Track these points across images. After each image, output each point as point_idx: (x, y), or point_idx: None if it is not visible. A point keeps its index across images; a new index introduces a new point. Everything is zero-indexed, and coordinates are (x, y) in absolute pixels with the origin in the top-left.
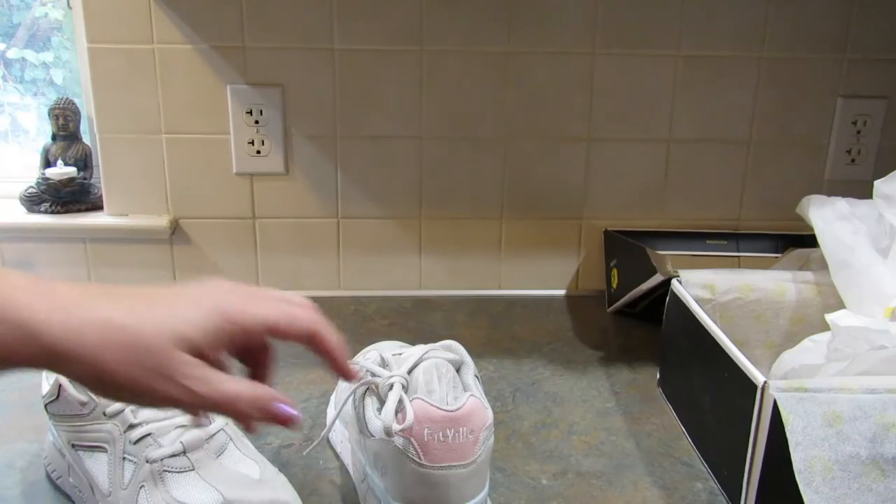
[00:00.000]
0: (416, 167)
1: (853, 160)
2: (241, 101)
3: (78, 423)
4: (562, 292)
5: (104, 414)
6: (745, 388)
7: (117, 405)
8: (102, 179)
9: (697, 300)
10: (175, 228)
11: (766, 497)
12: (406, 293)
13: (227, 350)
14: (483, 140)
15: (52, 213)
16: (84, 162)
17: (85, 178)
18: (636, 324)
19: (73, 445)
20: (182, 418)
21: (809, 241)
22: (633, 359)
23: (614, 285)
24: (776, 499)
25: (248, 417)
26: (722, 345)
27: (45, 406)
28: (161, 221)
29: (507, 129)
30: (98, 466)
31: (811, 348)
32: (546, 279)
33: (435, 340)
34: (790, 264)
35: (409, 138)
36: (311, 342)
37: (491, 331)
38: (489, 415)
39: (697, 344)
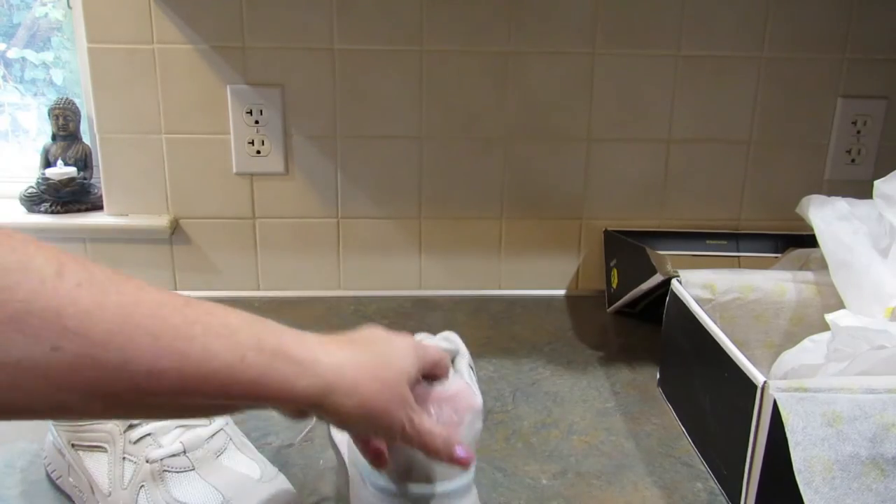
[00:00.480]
0: (416, 167)
1: (853, 160)
2: (241, 101)
3: (78, 423)
4: (562, 292)
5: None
6: (745, 388)
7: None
8: (102, 179)
9: (697, 300)
10: (175, 228)
11: (766, 497)
12: (406, 293)
13: None
14: (483, 140)
15: (52, 213)
16: (84, 162)
17: (85, 178)
18: (636, 324)
19: (73, 445)
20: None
21: (809, 241)
22: (633, 359)
23: (614, 285)
24: (776, 499)
25: (437, 453)
26: (722, 345)
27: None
28: (161, 221)
29: (507, 129)
30: (98, 466)
31: (811, 348)
32: (546, 279)
33: None
34: (790, 264)
35: (409, 138)
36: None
37: (491, 331)
38: (477, 400)
39: (697, 344)
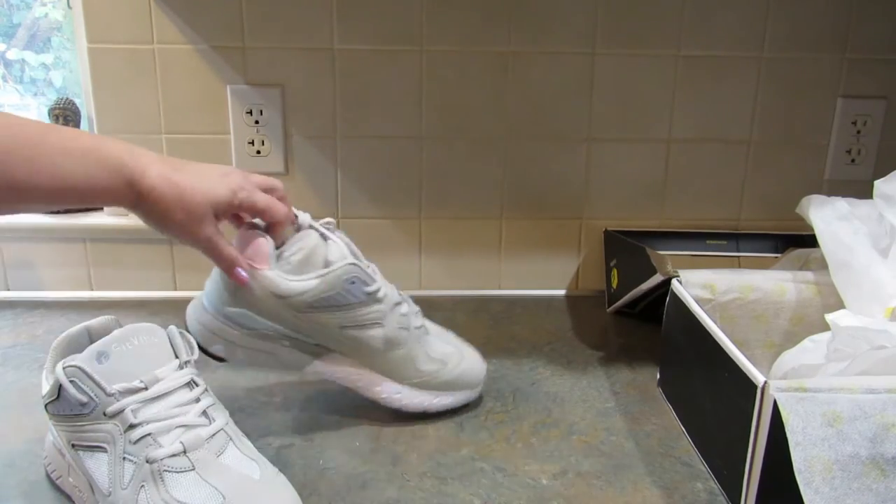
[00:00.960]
0: (416, 167)
1: (853, 160)
2: (241, 101)
3: (78, 423)
4: (562, 292)
5: (104, 414)
6: (745, 388)
7: (117, 406)
8: None
9: (697, 300)
10: None
11: (766, 497)
12: (406, 293)
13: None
14: (483, 140)
15: (52, 213)
16: None
17: None
18: (636, 324)
19: (73, 445)
20: (183, 418)
21: (809, 241)
22: (633, 359)
23: (614, 285)
24: (776, 499)
25: (221, 265)
26: (722, 345)
27: (45, 406)
28: None
29: (506, 129)
30: (98, 466)
31: (811, 348)
32: (546, 279)
33: None
34: (790, 264)
35: (409, 138)
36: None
37: (491, 331)
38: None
39: (697, 344)
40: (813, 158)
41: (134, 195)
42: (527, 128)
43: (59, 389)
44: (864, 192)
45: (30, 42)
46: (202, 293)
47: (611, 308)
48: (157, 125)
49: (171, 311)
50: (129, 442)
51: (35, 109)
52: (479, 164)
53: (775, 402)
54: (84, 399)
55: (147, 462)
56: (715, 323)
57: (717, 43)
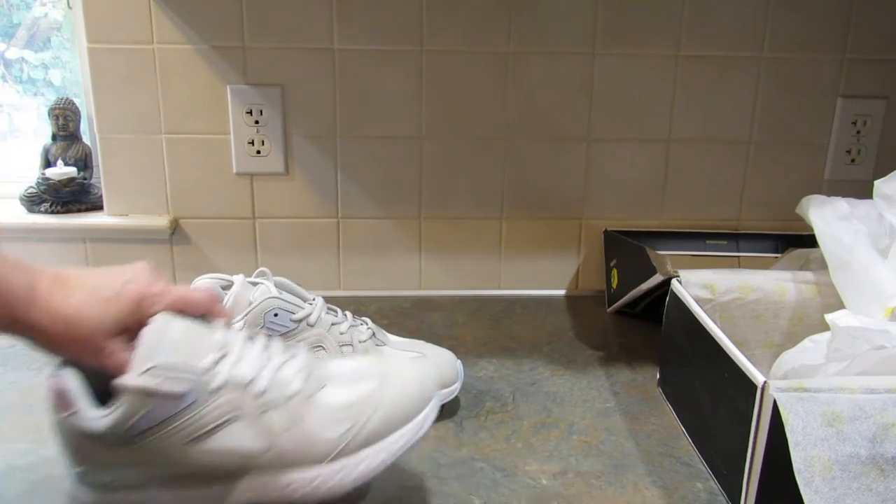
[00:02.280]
0: (416, 167)
1: (853, 160)
2: (241, 101)
3: (185, 418)
4: (562, 292)
5: (210, 392)
6: (745, 388)
7: (221, 377)
8: (102, 179)
9: (697, 300)
10: (175, 228)
11: (766, 497)
12: (406, 293)
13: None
14: (483, 140)
15: (52, 213)
16: (84, 162)
17: (85, 178)
18: (636, 324)
19: (193, 440)
20: (279, 357)
21: (809, 241)
22: (633, 359)
23: (614, 285)
24: (776, 499)
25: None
26: (722, 345)
27: (129, 434)
28: (161, 221)
29: (507, 129)
30: (239, 435)
31: (811, 348)
32: (546, 279)
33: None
34: (790, 264)
35: (409, 138)
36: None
37: (491, 331)
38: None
39: (697, 344)
40: (813, 158)
41: (21, 328)
42: (527, 128)
43: (145, 401)
44: (864, 192)
45: (29, 42)
46: None
47: (611, 308)
48: (157, 125)
49: None
50: (256, 397)
51: (34, 109)
52: (479, 164)
53: (775, 402)
54: (183, 389)
55: (290, 399)
56: (715, 323)
57: (717, 43)
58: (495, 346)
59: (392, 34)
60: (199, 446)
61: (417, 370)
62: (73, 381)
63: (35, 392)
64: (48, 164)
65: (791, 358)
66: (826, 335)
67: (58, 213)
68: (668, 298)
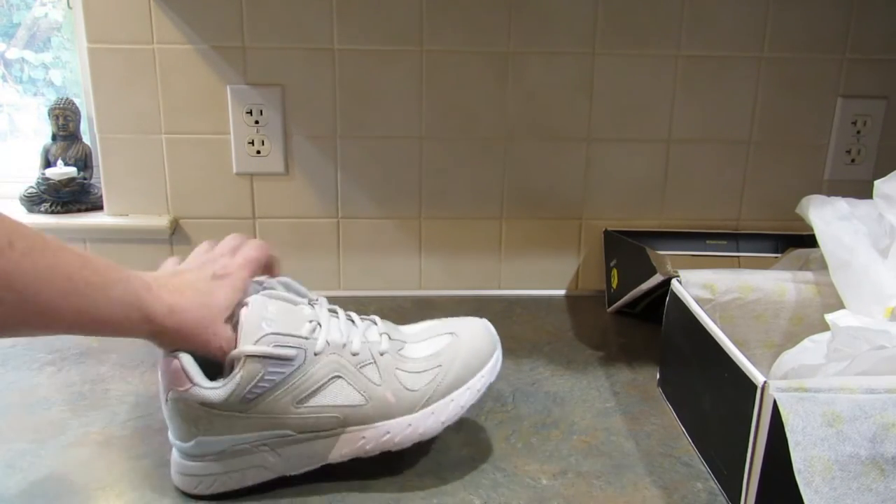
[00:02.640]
0: (416, 167)
1: (853, 160)
2: (241, 101)
3: (294, 380)
4: (562, 292)
5: (315, 354)
6: (745, 388)
7: (320, 342)
8: (102, 179)
9: (697, 300)
10: (175, 228)
11: (766, 497)
12: (406, 293)
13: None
14: (483, 140)
15: (52, 213)
16: (84, 162)
17: (85, 178)
18: (636, 324)
19: (300, 401)
20: (360, 325)
21: (809, 241)
22: (633, 359)
23: (614, 285)
24: (776, 499)
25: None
26: (722, 345)
27: (246, 399)
28: (161, 221)
29: (507, 129)
30: (341, 391)
31: (811, 348)
32: (546, 279)
33: None
34: (790, 264)
35: (409, 138)
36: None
37: None
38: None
39: (697, 344)
40: (813, 158)
41: (150, 332)
42: (527, 128)
43: (257, 368)
44: (864, 192)
45: (30, 42)
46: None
47: (611, 308)
48: (157, 125)
49: None
50: (352, 355)
51: (34, 109)
52: (479, 164)
53: (775, 402)
54: (293, 353)
55: (381, 355)
56: (715, 323)
57: (717, 43)
58: None
59: (392, 34)
60: (306, 405)
61: (479, 322)
62: (187, 360)
63: (35, 392)
64: (48, 164)
65: (791, 358)
66: (826, 335)
67: (58, 213)
68: (668, 298)
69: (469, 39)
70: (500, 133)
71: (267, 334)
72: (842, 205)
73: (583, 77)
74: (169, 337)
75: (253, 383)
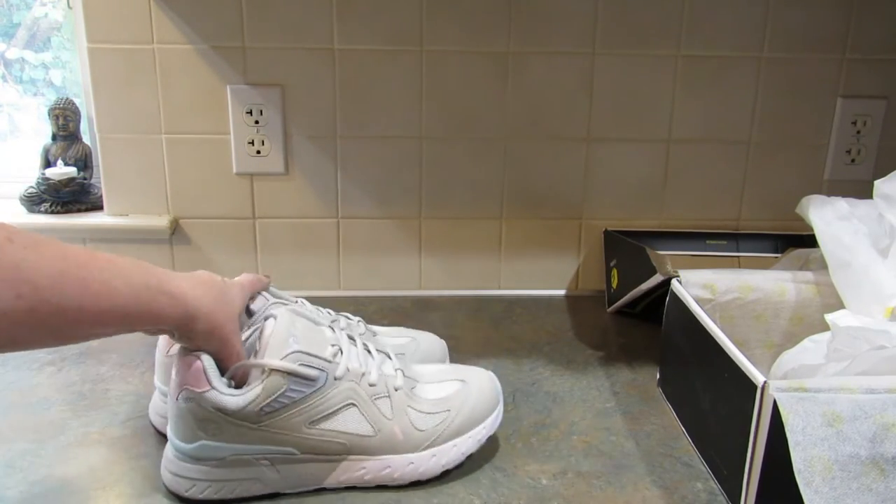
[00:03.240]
0: (416, 167)
1: (853, 160)
2: (241, 101)
3: (312, 401)
4: (562, 292)
5: (335, 378)
6: (745, 388)
7: (341, 367)
8: (102, 179)
9: (697, 300)
10: (175, 228)
11: (766, 497)
12: (406, 293)
13: None
14: (483, 140)
15: (52, 213)
16: (84, 162)
17: (85, 178)
18: (636, 324)
19: (312, 423)
20: (377, 356)
21: (809, 241)
22: (633, 359)
23: (614, 285)
24: (776, 499)
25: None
26: (722, 345)
27: (262, 412)
28: (161, 221)
29: (507, 129)
30: (352, 419)
31: (811, 348)
32: (546, 279)
33: None
34: (790, 264)
35: (409, 138)
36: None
37: (491, 331)
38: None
39: (697, 344)
40: (813, 158)
41: (184, 325)
42: (527, 128)
43: (287, 381)
44: (864, 192)
45: (29, 42)
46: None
47: (611, 308)
48: (157, 125)
49: None
50: (369, 385)
51: (34, 109)
52: (479, 164)
53: (775, 402)
54: (315, 374)
55: (396, 390)
56: (715, 323)
57: (717, 43)
58: (495, 346)
59: (392, 34)
60: (317, 427)
61: (487, 374)
62: (209, 361)
63: (35, 392)
64: (48, 164)
65: (791, 358)
66: (826, 335)
67: (58, 213)
68: (668, 298)
69: (469, 39)
70: (500, 133)
71: (294, 351)
72: (842, 205)
73: (583, 77)
74: (200, 324)
75: (273, 397)
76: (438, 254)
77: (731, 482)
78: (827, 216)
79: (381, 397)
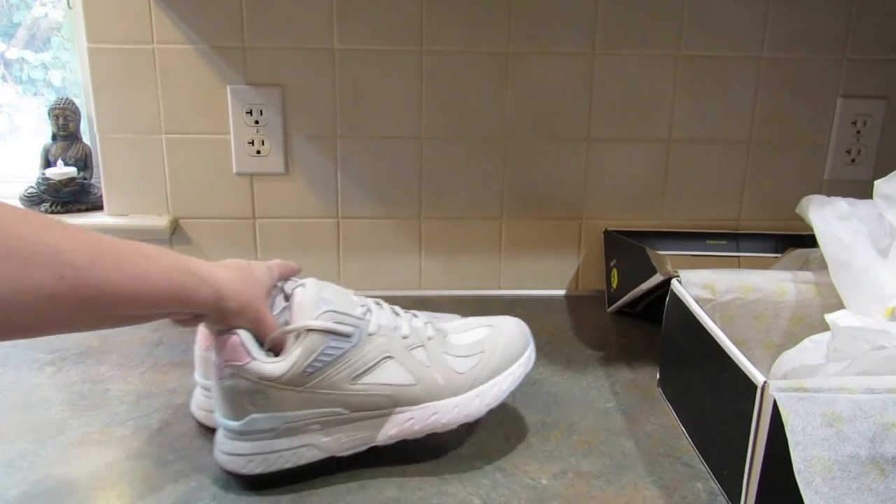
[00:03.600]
0: (416, 167)
1: (853, 160)
2: (241, 101)
3: (350, 358)
4: (562, 292)
5: (369, 335)
6: (745, 388)
7: (373, 323)
8: (102, 179)
9: (697, 300)
10: (175, 228)
11: (766, 497)
12: (406, 293)
13: None
14: (483, 140)
15: (52, 213)
16: (84, 162)
17: (85, 178)
18: (636, 324)
19: (355, 378)
20: (405, 314)
21: (809, 241)
22: (633, 359)
23: (614, 285)
24: (776, 499)
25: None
26: (722, 345)
27: (305, 373)
28: (161, 221)
29: (507, 129)
30: (392, 371)
31: (811, 348)
32: (546, 279)
33: None
34: (790, 264)
35: (409, 138)
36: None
37: None
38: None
39: (697, 344)
40: (813, 158)
41: (215, 304)
42: (527, 128)
43: (317, 343)
44: (864, 192)
45: (29, 42)
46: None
47: (611, 308)
48: (157, 125)
49: None
50: (402, 338)
51: (34, 109)
52: (479, 164)
53: (775, 402)
54: (349, 330)
55: (429, 339)
56: (715, 323)
57: (717, 43)
58: None
59: (392, 34)
60: (359, 382)
61: (513, 319)
62: (246, 335)
63: (35, 392)
64: (48, 164)
65: (791, 358)
66: (826, 335)
67: (58, 213)
68: (668, 298)
69: (469, 39)
70: (500, 133)
71: (326, 311)
72: (842, 205)
73: (583, 77)
74: (231, 303)
75: (313, 357)
76: (438, 254)
77: (731, 482)
78: (827, 216)
79: (415, 347)
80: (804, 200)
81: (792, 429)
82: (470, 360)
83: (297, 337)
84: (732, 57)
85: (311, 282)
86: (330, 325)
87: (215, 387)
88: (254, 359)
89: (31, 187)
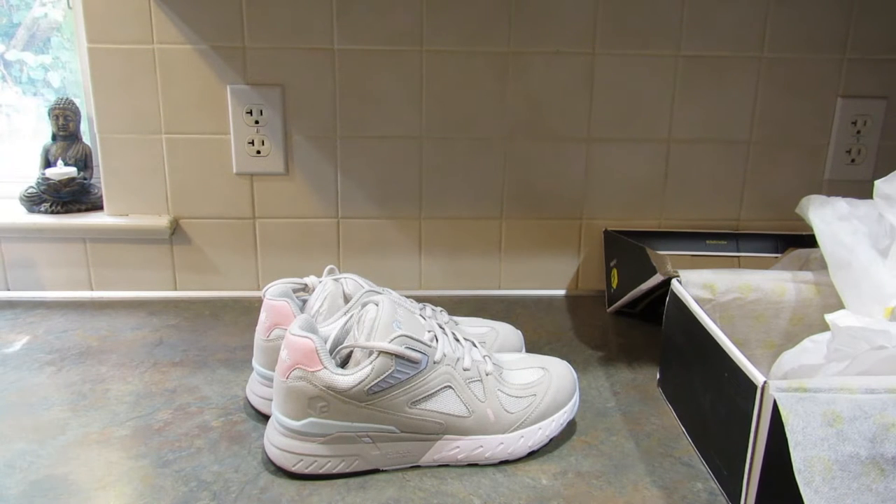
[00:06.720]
0: (416, 167)
1: (853, 160)
2: (241, 101)
3: (414, 382)
4: (562, 292)
5: (434, 362)
6: (745, 388)
7: (439, 352)
8: (102, 179)
9: (697, 300)
10: (175, 228)
11: (766, 497)
12: (406, 293)
13: None
14: (483, 140)
15: (52, 213)
16: (84, 162)
17: (85, 178)
18: (636, 324)
19: (413, 403)
20: (466, 344)
21: (809, 241)
22: (633, 359)
23: (614, 285)
24: (776, 499)
25: None
26: (722, 345)
27: (370, 391)
28: (161, 221)
29: (507, 129)
30: (449, 401)
31: (811, 348)
32: (546, 279)
33: None
34: (790, 264)
35: (409, 138)
36: None
37: None
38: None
39: (697, 344)
40: (813, 158)
41: None
42: (527, 128)
43: (388, 364)
44: (864, 192)
45: (29, 42)
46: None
47: (611, 308)
48: (157, 125)
49: (171, 310)
50: (464, 370)
51: (34, 110)
52: (479, 164)
53: (775, 402)
54: (419, 357)
55: (487, 375)
56: (715, 323)
57: (717, 43)
58: None
59: (392, 34)
60: (417, 407)
61: (564, 363)
62: (319, 342)
63: (35, 392)
64: (48, 164)
65: (791, 358)
66: (826, 335)
67: (58, 213)
68: (668, 298)
69: (469, 39)
70: (500, 133)
71: (400, 335)
72: (842, 205)
73: (583, 77)
74: None
75: (382, 377)
76: (438, 254)
77: (731, 482)
78: (827, 216)
79: (474, 381)
80: (804, 200)
81: (792, 429)
82: (522, 402)
83: (370, 355)
84: (732, 57)
85: (385, 300)
86: (402, 350)
87: (279, 383)
88: (325, 367)
89: (31, 187)
